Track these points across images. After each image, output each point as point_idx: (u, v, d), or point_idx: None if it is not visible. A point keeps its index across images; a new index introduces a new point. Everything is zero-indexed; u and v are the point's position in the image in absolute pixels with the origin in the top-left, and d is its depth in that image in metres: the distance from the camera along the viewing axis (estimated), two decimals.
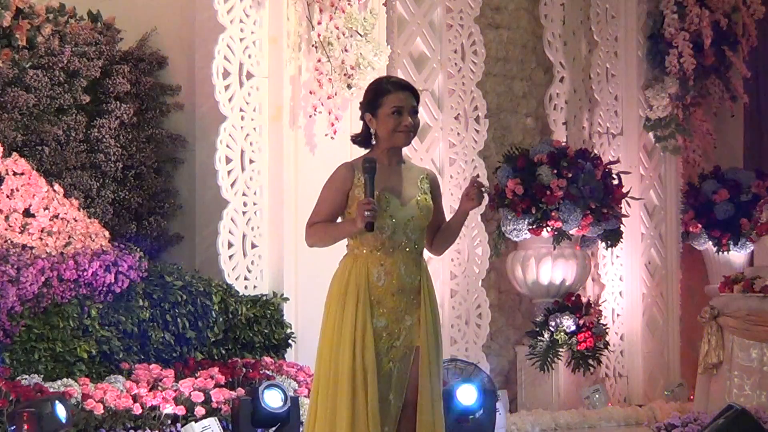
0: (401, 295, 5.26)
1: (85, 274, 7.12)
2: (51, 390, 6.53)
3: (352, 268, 5.27)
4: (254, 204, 8.37)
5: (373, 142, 5.36)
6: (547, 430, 9.56)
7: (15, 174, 7.50)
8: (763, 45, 12.40)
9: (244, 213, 8.32)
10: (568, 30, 10.89)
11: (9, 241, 7.14)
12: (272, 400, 7.05)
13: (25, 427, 6.10)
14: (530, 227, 10.03)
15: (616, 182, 10.41)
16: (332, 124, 8.41)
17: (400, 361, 5.21)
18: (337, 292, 5.27)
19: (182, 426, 6.89)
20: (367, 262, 5.27)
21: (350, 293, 5.24)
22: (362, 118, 5.36)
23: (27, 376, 6.62)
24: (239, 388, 7.27)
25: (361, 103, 5.39)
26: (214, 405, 7.06)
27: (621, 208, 10.45)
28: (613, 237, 10.46)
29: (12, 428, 6.23)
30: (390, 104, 5.28)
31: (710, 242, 11.89)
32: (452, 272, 9.73)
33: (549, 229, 10.02)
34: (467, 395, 7.75)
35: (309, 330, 8.38)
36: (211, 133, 8.34)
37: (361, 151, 5.44)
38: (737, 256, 11.88)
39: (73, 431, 6.41)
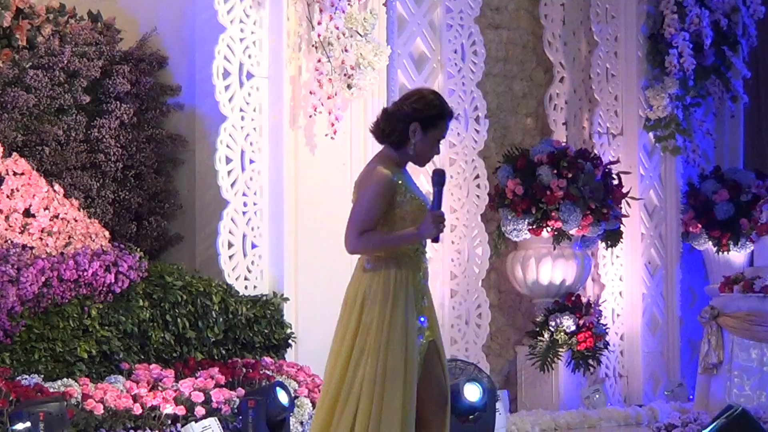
0: (428, 293, 5.33)
1: (85, 274, 7.12)
2: (51, 390, 6.54)
3: (397, 271, 5.21)
4: (254, 204, 8.37)
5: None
6: (547, 430, 9.56)
7: (15, 174, 7.50)
8: (763, 45, 12.40)
9: (244, 213, 8.32)
10: (568, 30, 10.90)
11: (9, 241, 7.14)
12: (283, 398, 7.17)
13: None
14: (530, 227, 10.04)
15: (616, 182, 10.41)
16: (332, 124, 8.41)
17: (422, 356, 5.25)
18: (383, 295, 5.19)
19: (182, 426, 6.89)
20: (413, 264, 5.25)
21: (399, 294, 5.19)
22: (404, 120, 5.21)
23: (27, 376, 6.62)
24: (239, 388, 7.27)
25: (415, 108, 5.22)
26: (214, 405, 7.06)
27: (621, 208, 10.45)
28: (613, 237, 10.46)
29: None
30: (441, 130, 5.27)
31: (710, 242, 11.88)
32: (452, 272, 9.73)
33: (549, 229, 10.02)
34: (473, 393, 7.74)
35: (309, 330, 8.40)
36: (211, 133, 8.34)
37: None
38: (737, 256, 11.87)
39: (73, 431, 6.43)
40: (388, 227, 5.18)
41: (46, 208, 7.47)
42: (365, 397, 5.11)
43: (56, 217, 7.49)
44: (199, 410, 6.98)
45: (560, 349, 10.09)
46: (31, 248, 7.18)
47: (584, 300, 10.38)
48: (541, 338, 10.14)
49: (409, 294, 5.20)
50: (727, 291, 10.09)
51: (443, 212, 5.12)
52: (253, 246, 8.34)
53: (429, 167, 6.02)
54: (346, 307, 5.27)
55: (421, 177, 8.12)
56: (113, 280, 7.25)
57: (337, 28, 8.42)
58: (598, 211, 10.14)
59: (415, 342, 5.17)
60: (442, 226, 5.09)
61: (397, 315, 5.15)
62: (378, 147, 5.38)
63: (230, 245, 8.26)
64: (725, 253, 11.87)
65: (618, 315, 11.09)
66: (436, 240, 5.12)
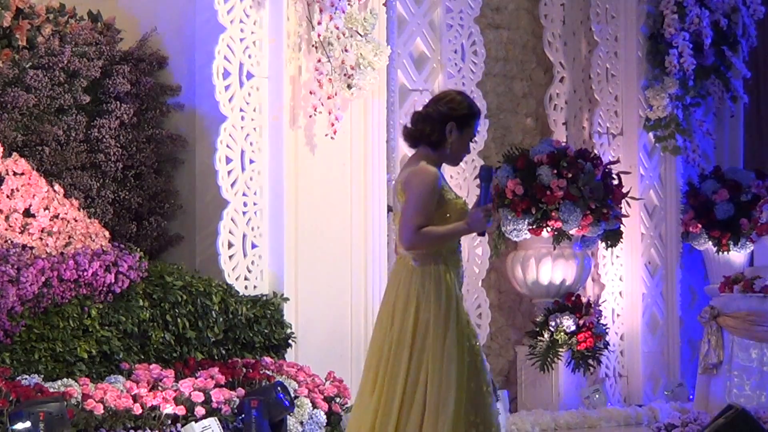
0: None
1: (85, 274, 7.12)
2: (51, 390, 6.54)
3: (444, 268, 5.36)
4: (254, 204, 8.37)
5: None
6: (547, 430, 9.57)
7: (15, 174, 7.50)
8: (763, 45, 12.41)
9: (244, 213, 8.32)
10: (568, 30, 10.90)
11: (9, 241, 7.14)
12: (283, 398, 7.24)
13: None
14: (530, 227, 10.04)
15: (616, 182, 10.41)
16: (332, 124, 8.41)
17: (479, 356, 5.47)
18: (436, 293, 5.31)
19: (182, 426, 6.89)
20: (454, 261, 5.41)
21: (452, 291, 5.34)
22: (442, 121, 5.38)
23: (27, 376, 6.62)
24: (239, 388, 7.28)
25: (450, 107, 5.39)
26: (214, 405, 7.06)
27: (621, 208, 10.45)
28: (613, 237, 10.46)
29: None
30: (473, 129, 5.46)
31: (710, 242, 11.88)
32: None
33: (549, 229, 10.02)
34: None
35: (309, 330, 8.40)
36: (211, 133, 8.34)
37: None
38: (737, 256, 11.87)
39: (73, 431, 6.43)
40: (434, 224, 5.31)
41: (46, 208, 7.47)
42: (432, 398, 5.21)
43: (56, 217, 7.49)
44: (199, 410, 6.98)
45: (560, 349, 10.09)
46: (31, 248, 7.18)
47: (584, 300, 10.38)
48: (541, 338, 10.14)
49: (459, 291, 5.37)
50: (727, 291, 10.09)
51: (491, 206, 5.27)
52: (253, 246, 8.35)
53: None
54: (399, 305, 5.34)
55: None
56: (113, 280, 7.25)
57: (337, 28, 8.42)
58: (598, 211, 10.14)
59: (473, 339, 5.36)
60: (491, 220, 5.26)
61: (451, 314, 5.29)
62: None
63: (230, 245, 8.26)
64: (725, 253, 11.87)
65: (618, 315, 11.09)
66: (482, 234, 5.35)
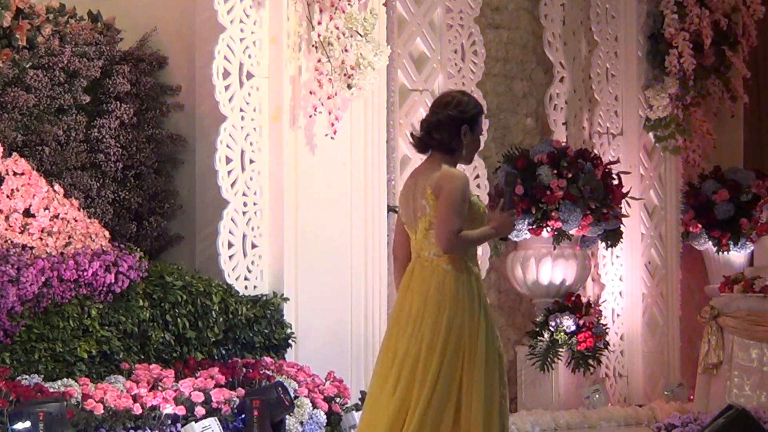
0: None
1: (85, 274, 7.13)
2: (51, 390, 6.54)
3: (473, 272, 5.50)
4: (254, 204, 8.37)
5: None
6: (547, 430, 9.56)
7: (15, 174, 7.50)
8: (763, 45, 12.40)
9: (244, 213, 8.32)
10: (568, 30, 10.89)
11: (9, 241, 7.14)
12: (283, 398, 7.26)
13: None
14: (530, 227, 10.03)
15: (616, 182, 10.41)
16: (332, 125, 8.41)
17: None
18: (470, 297, 5.43)
19: (182, 426, 6.89)
20: (476, 265, 5.58)
21: (482, 296, 5.49)
22: (456, 125, 5.45)
23: (27, 376, 6.62)
24: (239, 388, 7.27)
25: (460, 110, 5.47)
26: (214, 405, 7.06)
27: (621, 208, 10.45)
28: (613, 237, 10.46)
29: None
30: (482, 125, 5.59)
31: (710, 242, 11.89)
32: None
33: (549, 229, 10.02)
34: None
35: (309, 330, 8.40)
36: (211, 133, 8.34)
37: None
38: (737, 256, 11.88)
39: (72, 431, 6.43)
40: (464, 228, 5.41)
41: (46, 208, 7.47)
42: (468, 400, 5.27)
43: (56, 217, 7.49)
44: (199, 410, 6.98)
45: (560, 349, 10.09)
46: (31, 248, 7.18)
47: (584, 300, 10.38)
48: (541, 338, 10.14)
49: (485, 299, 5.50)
50: (727, 291, 10.09)
51: (516, 211, 5.39)
52: (253, 246, 8.34)
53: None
54: (429, 308, 5.38)
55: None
56: (113, 280, 7.25)
57: (337, 28, 8.42)
58: (598, 211, 10.14)
59: (498, 342, 5.43)
60: (515, 225, 5.41)
61: (483, 318, 5.39)
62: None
63: (230, 245, 8.26)
64: (725, 253, 11.88)
65: (618, 315, 11.08)
66: (506, 238, 5.41)
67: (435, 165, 5.46)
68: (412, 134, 5.58)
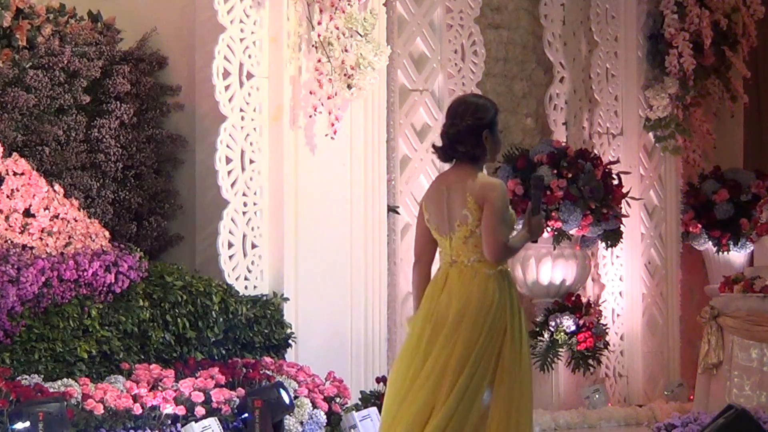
0: None
1: (85, 274, 7.13)
2: (51, 390, 6.54)
3: (506, 277, 5.52)
4: (254, 204, 8.37)
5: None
6: (547, 430, 9.57)
7: (15, 174, 7.50)
8: (763, 45, 12.41)
9: (244, 213, 8.32)
10: (568, 30, 10.89)
11: (9, 241, 7.14)
12: (284, 398, 7.26)
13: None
14: None
15: (616, 182, 10.41)
16: (332, 125, 8.41)
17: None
18: (510, 301, 5.48)
19: (182, 426, 6.89)
20: (509, 266, 5.60)
21: (518, 299, 5.55)
22: (478, 133, 5.44)
23: (27, 376, 6.62)
24: (239, 388, 7.28)
25: (479, 117, 5.45)
26: (214, 405, 7.06)
27: (621, 208, 10.45)
28: (613, 237, 10.46)
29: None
30: (498, 124, 5.55)
31: (710, 242, 11.89)
32: None
33: (549, 229, 10.02)
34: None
35: (309, 330, 8.40)
36: (211, 133, 8.34)
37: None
38: (737, 256, 11.88)
39: (72, 431, 6.43)
40: None
41: (46, 208, 7.47)
42: (508, 402, 5.32)
43: (56, 217, 7.49)
44: (199, 410, 6.98)
45: (560, 349, 10.09)
46: (31, 248, 7.18)
47: (584, 300, 10.38)
48: (541, 338, 10.14)
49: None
50: (727, 291, 10.09)
51: (544, 215, 5.45)
52: (253, 246, 8.34)
53: None
54: (470, 312, 5.39)
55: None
56: (113, 280, 7.25)
57: (337, 28, 8.42)
58: (598, 211, 10.14)
59: (528, 344, 5.51)
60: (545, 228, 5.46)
61: (521, 321, 5.46)
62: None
63: (230, 245, 8.26)
64: (725, 253, 11.88)
65: (618, 315, 11.09)
66: (536, 240, 5.53)
67: (467, 173, 5.44)
68: (434, 146, 5.58)
